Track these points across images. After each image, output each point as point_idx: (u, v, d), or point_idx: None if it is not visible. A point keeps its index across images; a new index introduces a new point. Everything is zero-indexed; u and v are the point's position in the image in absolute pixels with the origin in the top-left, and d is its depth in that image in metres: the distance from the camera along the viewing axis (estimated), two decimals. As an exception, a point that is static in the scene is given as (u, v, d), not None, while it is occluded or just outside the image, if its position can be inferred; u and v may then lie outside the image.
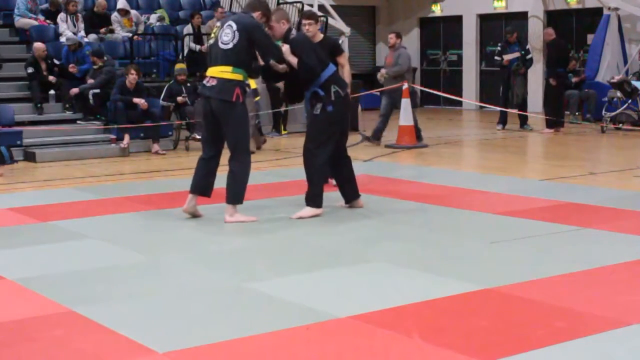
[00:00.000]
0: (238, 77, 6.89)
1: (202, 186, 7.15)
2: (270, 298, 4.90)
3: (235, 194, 7.02)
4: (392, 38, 13.13)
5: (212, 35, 7.12)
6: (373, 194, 8.47)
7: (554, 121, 14.60)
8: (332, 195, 7.74)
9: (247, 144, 7.16)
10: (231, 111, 6.88)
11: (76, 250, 6.29)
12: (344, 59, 8.71)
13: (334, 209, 7.69)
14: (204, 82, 7.01)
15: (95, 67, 13.14)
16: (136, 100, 12.32)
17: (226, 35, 6.88)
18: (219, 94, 6.85)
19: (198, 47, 14.70)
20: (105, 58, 13.29)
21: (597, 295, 4.91)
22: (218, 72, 6.87)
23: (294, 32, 7.32)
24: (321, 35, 8.71)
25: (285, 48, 7.14)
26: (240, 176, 7.01)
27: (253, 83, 6.94)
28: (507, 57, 15.15)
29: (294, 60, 7.16)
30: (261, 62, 7.23)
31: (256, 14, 7.05)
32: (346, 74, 8.66)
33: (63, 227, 7.05)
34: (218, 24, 7.17)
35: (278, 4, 17.26)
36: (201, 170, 7.15)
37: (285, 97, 7.76)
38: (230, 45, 6.86)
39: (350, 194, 7.75)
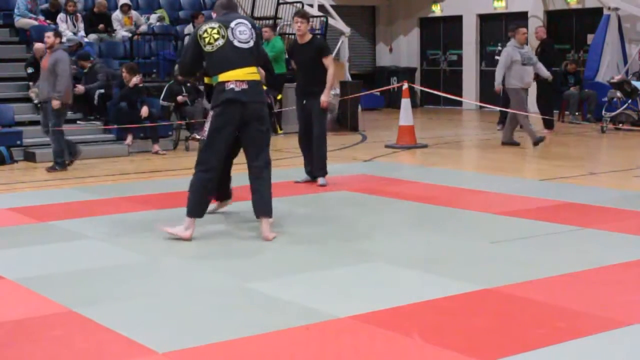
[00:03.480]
0: (260, 78, 6.55)
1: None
2: (270, 298, 4.90)
3: (271, 205, 6.56)
4: (49, 37, 10.37)
5: (215, 36, 6.33)
6: (373, 194, 8.47)
7: (550, 121, 14.60)
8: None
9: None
10: (265, 114, 6.52)
11: (76, 250, 6.29)
12: (329, 61, 8.82)
13: (333, 209, 7.70)
14: (231, 86, 6.27)
15: (85, 70, 13.14)
16: (143, 110, 12.32)
17: (243, 34, 6.39)
18: (256, 96, 6.39)
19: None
20: (91, 59, 13.29)
21: (597, 295, 4.91)
22: (245, 74, 6.33)
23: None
24: (310, 36, 8.95)
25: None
26: (271, 184, 6.61)
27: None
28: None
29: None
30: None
31: None
32: (330, 76, 8.77)
33: (63, 227, 7.05)
34: (214, 24, 6.41)
35: (278, 4, 17.28)
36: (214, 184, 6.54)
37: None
38: (251, 44, 6.40)
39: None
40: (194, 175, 6.45)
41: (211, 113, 6.41)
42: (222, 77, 6.33)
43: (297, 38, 8.96)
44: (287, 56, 9.51)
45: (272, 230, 6.50)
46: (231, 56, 6.34)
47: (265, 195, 6.50)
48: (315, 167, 9.01)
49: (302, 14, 8.93)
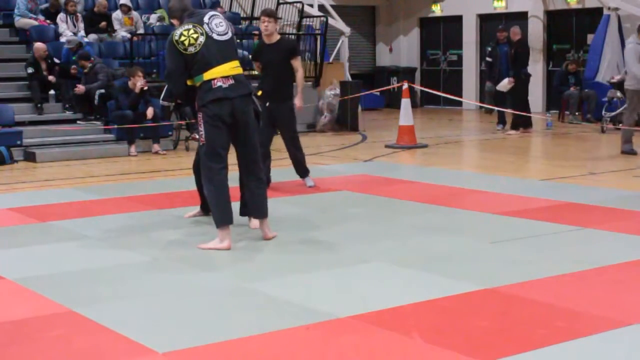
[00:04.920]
0: (242, 70, 6.41)
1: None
2: (270, 298, 4.90)
3: (267, 206, 6.52)
4: None
5: (195, 36, 6.08)
6: (373, 194, 8.47)
7: (522, 122, 14.57)
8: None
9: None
10: (250, 107, 6.37)
11: (76, 250, 6.29)
12: (298, 63, 8.71)
13: (333, 209, 7.70)
14: (219, 84, 6.11)
15: (85, 70, 13.13)
16: (149, 112, 12.26)
17: (220, 26, 6.20)
18: (243, 90, 6.22)
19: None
20: (92, 58, 13.29)
21: (597, 295, 4.91)
22: (230, 69, 6.18)
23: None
24: (278, 36, 8.77)
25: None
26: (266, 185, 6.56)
27: None
28: (501, 88, 14.83)
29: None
30: None
31: None
32: (300, 79, 8.71)
33: (63, 227, 7.05)
34: (187, 27, 6.13)
35: (278, 4, 17.28)
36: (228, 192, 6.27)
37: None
38: (230, 35, 6.23)
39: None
40: (205, 185, 6.28)
41: (200, 115, 6.19)
42: (207, 75, 6.13)
43: (264, 38, 8.67)
44: (251, 57, 9.25)
45: (271, 230, 6.51)
46: (214, 52, 6.14)
47: (264, 196, 6.49)
48: (298, 170, 8.92)
49: (269, 13, 8.62)
